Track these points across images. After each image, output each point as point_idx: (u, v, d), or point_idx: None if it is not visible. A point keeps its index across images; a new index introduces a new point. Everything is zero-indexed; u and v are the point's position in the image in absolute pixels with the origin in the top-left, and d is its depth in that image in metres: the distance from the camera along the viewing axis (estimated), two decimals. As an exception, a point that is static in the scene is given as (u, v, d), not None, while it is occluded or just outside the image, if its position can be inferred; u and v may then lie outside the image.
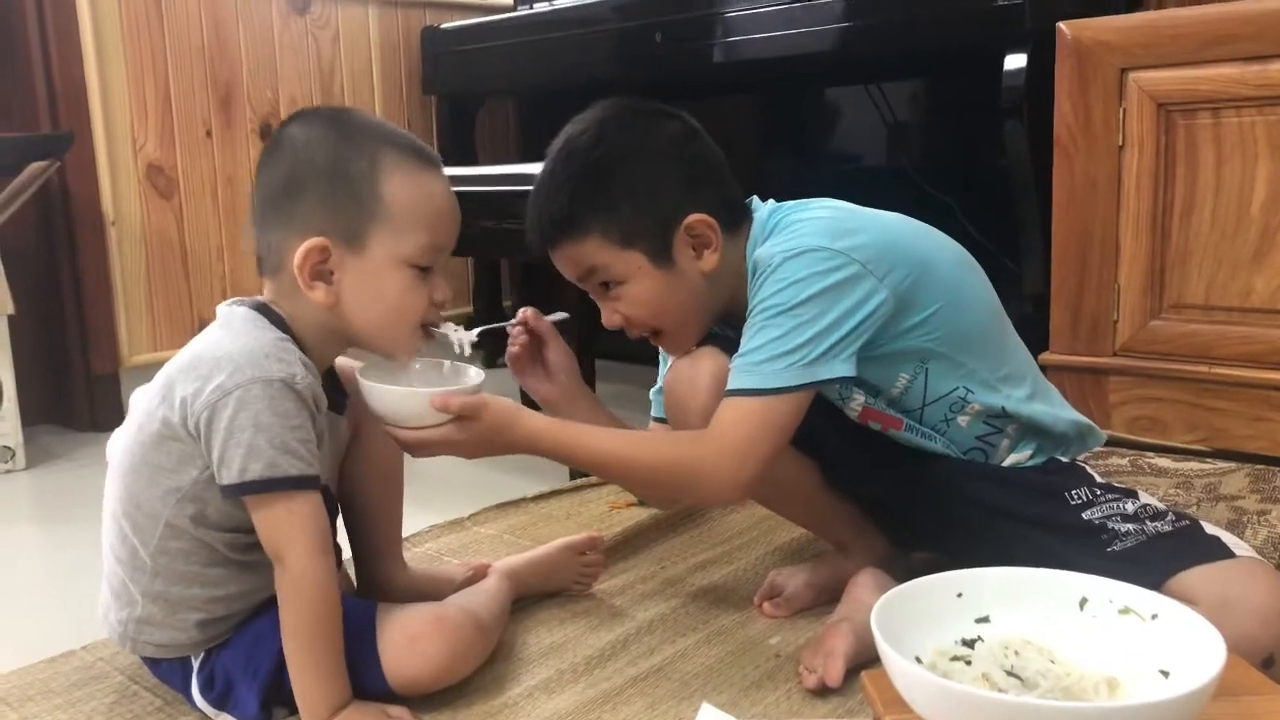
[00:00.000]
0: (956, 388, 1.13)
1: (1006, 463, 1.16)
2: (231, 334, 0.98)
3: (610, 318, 1.15)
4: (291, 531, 0.95)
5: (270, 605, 1.00)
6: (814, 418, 1.09)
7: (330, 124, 1.01)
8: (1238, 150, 1.52)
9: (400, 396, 1.02)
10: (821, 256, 1.04)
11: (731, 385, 1.05)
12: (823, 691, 1.04)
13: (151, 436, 0.98)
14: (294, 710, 0.99)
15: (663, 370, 1.25)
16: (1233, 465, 1.56)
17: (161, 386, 0.99)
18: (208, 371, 0.95)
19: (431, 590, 1.21)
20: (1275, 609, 0.95)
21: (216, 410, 0.93)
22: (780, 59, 1.95)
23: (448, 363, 1.12)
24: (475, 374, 1.08)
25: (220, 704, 1.03)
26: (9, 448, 1.99)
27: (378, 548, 1.23)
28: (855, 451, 1.19)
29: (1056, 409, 1.16)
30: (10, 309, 1.98)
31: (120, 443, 1.04)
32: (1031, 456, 1.15)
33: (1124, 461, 1.62)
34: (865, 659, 1.03)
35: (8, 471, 1.98)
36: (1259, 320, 1.55)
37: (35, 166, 2.07)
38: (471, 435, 1.03)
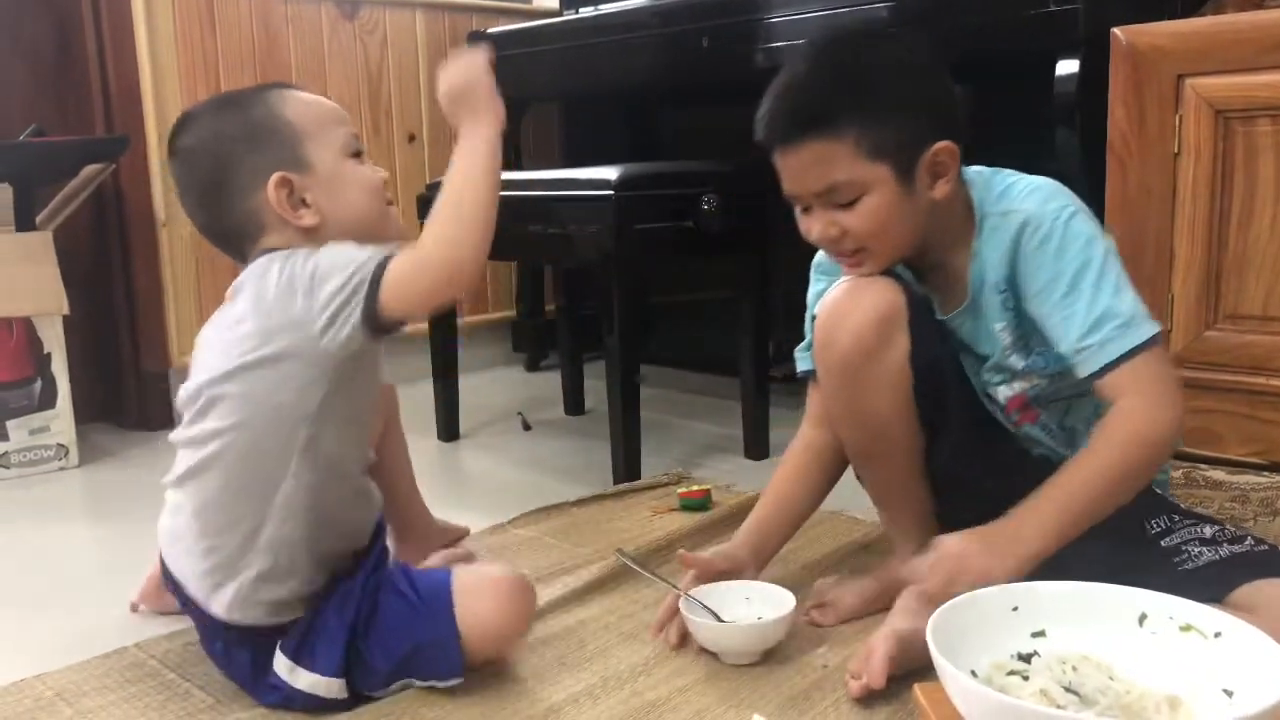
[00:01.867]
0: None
1: None
2: (310, 247, 1.06)
3: (825, 230, 1.12)
4: None
5: (358, 568, 1.10)
6: (944, 395, 1.15)
7: (212, 109, 1.14)
8: (1298, 158, 1.49)
9: (736, 632, 1.14)
10: (1091, 216, 1.08)
11: (1120, 350, 1.02)
12: (868, 700, 1.03)
13: (270, 367, 1.02)
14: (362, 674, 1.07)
15: (809, 326, 1.25)
16: (1289, 479, 1.53)
17: (266, 313, 1.03)
18: (333, 263, 1.02)
19: (451, 536, 1.48)
20: None
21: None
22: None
23: (742, 583, 1.21)
24: (785, 595, 1.17)
25: (298, 657, 1.06)
26: (63, 445, 2.02)
27: (407, 491, 1.42)
28: (969, 436, 1.19)
29: None
30: (65, 309, 2.01)
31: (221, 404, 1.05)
32: None
33: (1178, 474, 1.59)
34: (910, 666, 1.02)
35: (61, 469, 2.01)
36: (1319, 331, 1.51)
37: (91, 169, 2.11)
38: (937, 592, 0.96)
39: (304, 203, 1.09)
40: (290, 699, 1.06)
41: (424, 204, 2.10)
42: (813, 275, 1.28)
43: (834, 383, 1.19)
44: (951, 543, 0.99)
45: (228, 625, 1.07)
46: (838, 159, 1.07)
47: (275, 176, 1.07)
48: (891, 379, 1.16)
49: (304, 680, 1.05)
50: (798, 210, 1.15)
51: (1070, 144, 1.70)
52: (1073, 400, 1.17)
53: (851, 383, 1.17)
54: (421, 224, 2.19)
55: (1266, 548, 1.05)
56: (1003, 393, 1.17)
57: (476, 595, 1.08)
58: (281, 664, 1.06)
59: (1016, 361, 1.14)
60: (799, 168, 1.10)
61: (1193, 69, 1.56)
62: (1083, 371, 1.05)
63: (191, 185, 1.12)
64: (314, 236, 1.09)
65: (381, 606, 1.08)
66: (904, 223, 1.11)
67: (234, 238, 1.11)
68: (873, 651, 1.04)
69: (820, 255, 1.26)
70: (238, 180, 1.08)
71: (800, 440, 1.30)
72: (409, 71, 2.67)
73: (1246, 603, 0.95)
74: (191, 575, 1.08)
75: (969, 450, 1.19)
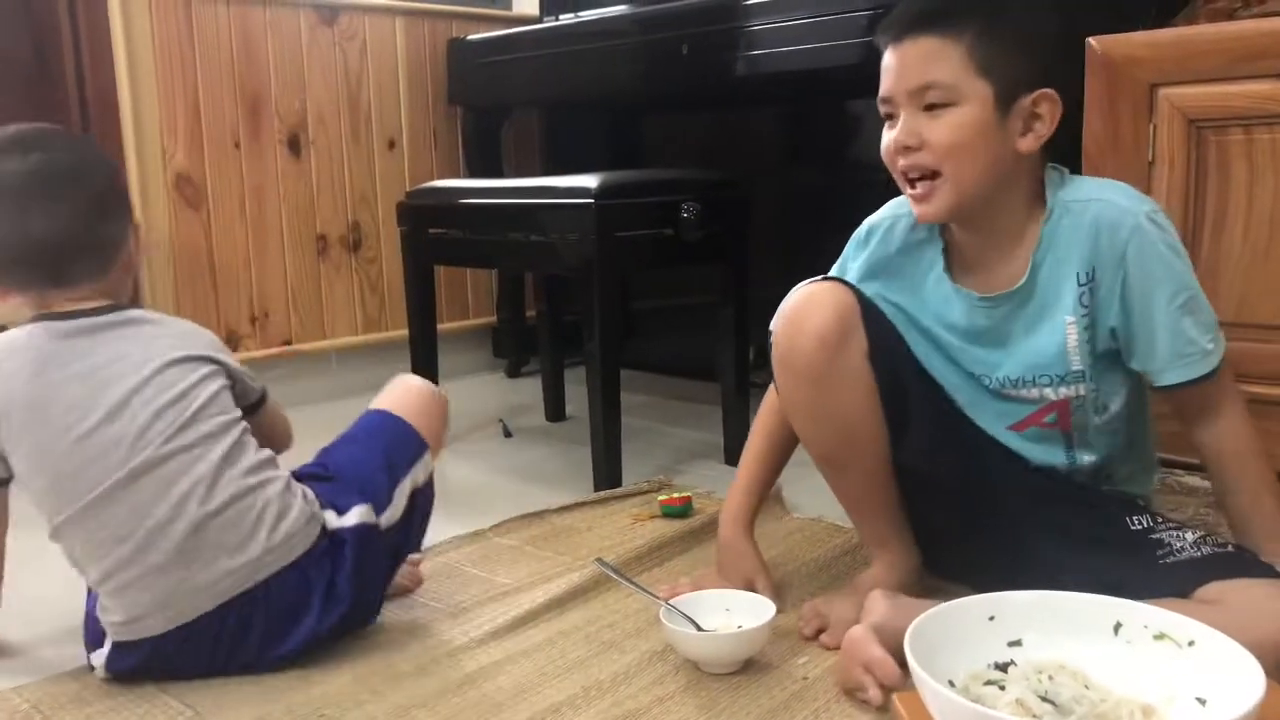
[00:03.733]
0: (1142, 415, 1.20)
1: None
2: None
3: (905, 137, 1.10)
4: None
5: None
6: (905, 392, 1.17)
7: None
8: (1270, 167, 1.51)
9: (714, 642, 1.15)
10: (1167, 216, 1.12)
11: (1216, 362, 1.11)
12: (848, 710, 1.04)
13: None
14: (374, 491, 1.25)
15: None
16: (1264, 484, 1.54)
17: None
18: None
19: None
20: None
21: None
22: (808, 72, 1.95)
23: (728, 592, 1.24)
24: (765, 604, 1.18)
25: (335, 508, 1.24)
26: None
27: None
28: (932, 431, 1.20)
29: (1153, 450, 1.24)
30: (41, 317, 1.99)
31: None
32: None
33: (1155, 478, 1.60)
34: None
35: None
36: (1291, 338, 1.53)
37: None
38: None
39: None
40: (319, 624, 1.16)
41: (402, 211, 2.11)
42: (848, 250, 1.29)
43: (800, 388, 1.20)
44: None
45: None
46: (946, 58, 1.08)
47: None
48: (856, 377, 1.17)
49: (351, 517, 1.21)
50: (885, 130, 1.14)
51: (1062, 143, 1.72)
52: (1117, 421, 1.18)
53: (818, 385, 1.18)
54: (402, 231, 2.20)
55: (1244, 552, 1.07)
56: (1047, 394, 1.16)
57: (391, 393, 1.40)
58: (330, 517, 1.21)
59: (1076, 361, 1.14)
60: (906, 62, 1.10)
61: (1166, 79, 1.57)
62: (1177, 378, 1.10)
63: (63, 198, 1.16)
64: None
65: (346, 449, 1.34)
66: (984, 155, 1.09)
67: (86, 247, 1.19)
68: (871, 658, 1.03)
69: (865, 227, 1.27)
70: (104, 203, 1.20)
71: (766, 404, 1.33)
72: (388, 78, 2.66)
73: (1215, 597, 0.98)
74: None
75: (933, 446, 1.20)
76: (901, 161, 1.12)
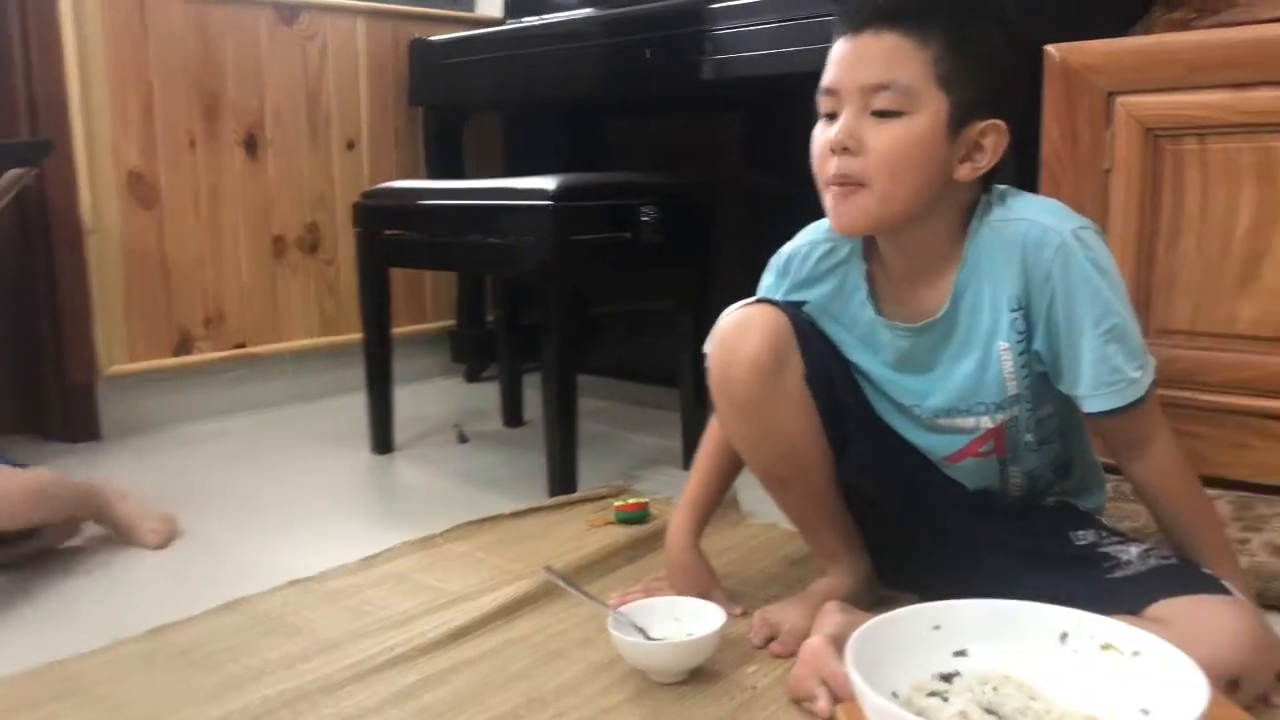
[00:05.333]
0: (1077, 427, 1.17)
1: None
2: None
3: (844, 136, 1.03)
4: None
5: None
6: (843, 411, 1.15)
7: None
8: (1223, 176, 1.51)
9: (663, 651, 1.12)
10: (1099, 230, 1.07)
11: (1145, 387, 1.06)
12: (814, 718, 1.02)
13: None
14: None
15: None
16: (1216, 493, 1.54)
17: None
18: None
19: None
20: (1245, 636, 0.96)
21: None
22: (773, 77, 1.94)
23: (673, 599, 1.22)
24: (715, 612, 1.16)
25: None
26: (-19, 458, 1.96)
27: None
28: (869, 451, 1.18)
29: (1098, 461, 1.21)
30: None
31: None
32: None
33: (1108, 488, 1.60)
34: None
35: (-21, 482, 1.95)
36: (1244, 347, 1.53)
37: (11, 174, 2.04)
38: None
39: None
40: None
41: (358, 211, 2.08)
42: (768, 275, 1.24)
43: (738, 415, 1.18)
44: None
45: None
46: (909, 60, 1.01)
47: None
48: (794, 401, 1.15)
49: None
50: (818, 126, 1.07)
51: (1007, 160, 1.72)
52: (1051, 435, 1.16)
53: (756, 412, 1.16)
54: (357, 231, 2.17)
55: (1191, 566, 1.06)
56: (983, 422, 1.12)
57: None
58: None
59: (1013, 387, 1.10)
60: (864, 55, 1.03)
61: (1124, 87, 1.58)
62: (1101, 406, 1.05)
63: None
64: None
65: None
66: (922, 174, 1.03)
67: None
68: (830, 671, 1.01)
69: (784, 256, 1.22)
70: None
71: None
72: (349, 78, 2.63)
73: (1163, 616, 0.97)
74: None
75: (872, 468, 1.18)
76: (833, 164, 1.04)
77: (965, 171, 1.05)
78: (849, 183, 1.04)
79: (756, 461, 1.22)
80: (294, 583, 1.42)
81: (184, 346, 2.33)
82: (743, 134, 2.45)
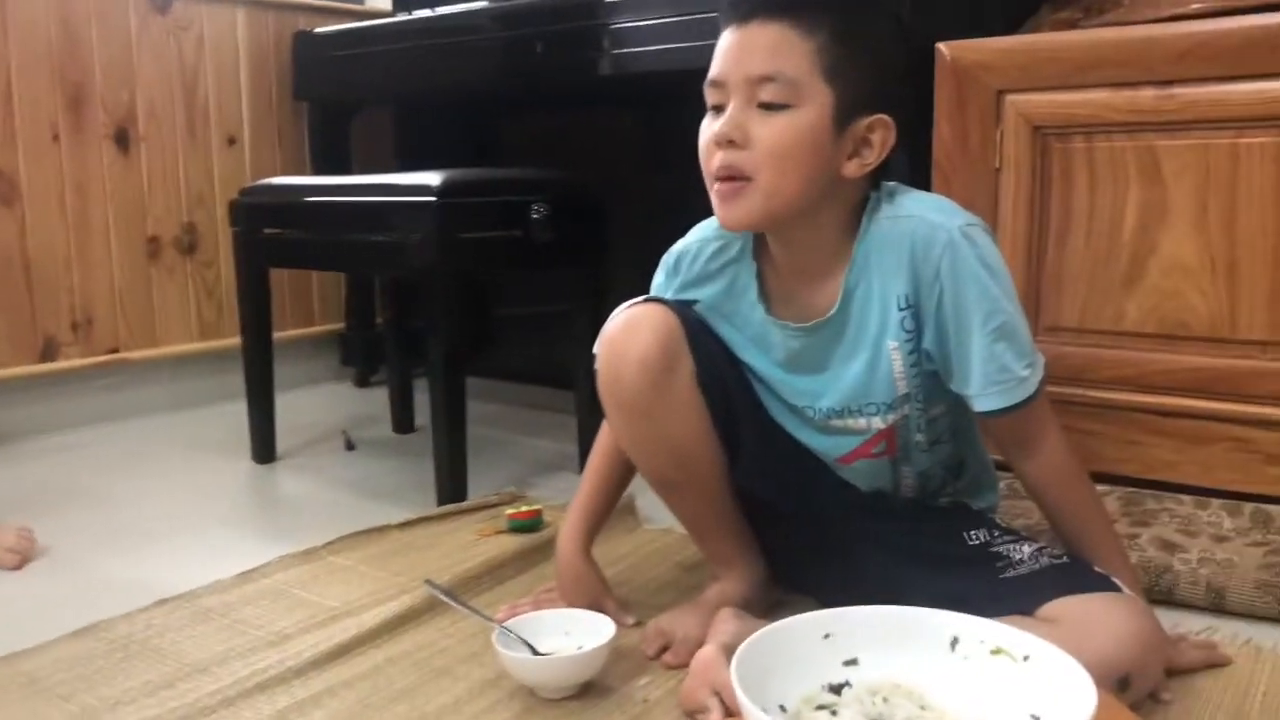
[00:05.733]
0: (969, 427, 1.16)
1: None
2: None
3: (729, 129, 1.01)
4: None
5: None
6: (735, 413, 1.13)
7: None
8: (1110, 175, 1.53)
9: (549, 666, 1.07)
10: (988, 228, 1.06)
11: (1035, 386, 1.05)
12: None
13: None
14: None
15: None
16: (1106, 489, 1.56)
17: None
18: None
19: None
20: (1134, 633, 0.96)
21: None
22: (670, 72, 1.90)
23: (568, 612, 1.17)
24: (605, 623, 1.11)
25: None
26: None
27: None
28: (761, 453, 1.16)
29: (990, 460, 1.20)
30: None
31: None
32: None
33: (1000, 486, 1.60)
34: None
35: None
36: (1131, 344, 1.55)
37: None
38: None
39: None
40: None
41: (235, 209, 1.98)
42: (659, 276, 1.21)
43: (627, 418, 1.14)
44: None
45: None
46: (795, 52, 0.99)
47: None
48: (684, 403, 1.12)
49: None
50: (706, 120, 1.05)
51: (898, 158, 1.71)
52: (943, 435, 1.15)
53: (646, 414, 1.12)
54: (234, 231, 2.07)
55: (1082, 564, 1.06)
56: (875, 423, 1.11)
57: None
58: None
59: (903, 386, 1.08)
60: (750, 46, 1.01)
61: (1013, 86, 1.58)
62: (990, 405, 1.04)
63: None
64: None
65: None
66: (807, 168, 1.01)
67: None
68: (724, 684, 0.96)
69: (673, 255, 1.19)
70: None
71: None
72: (228, 71, 2.52)
73: (1055, 615, 0.97)
74: None
75: (764, 470, 1.16)
76: (719, 157, 1.02)
77: (853, 168, 1.03)
78: (735, 176, 1.02)
79: (648, 466, 1.18)
80: (161, 602, 1.33)
81: (49, 352, 2.19)
82: (641, 131, 2.42)
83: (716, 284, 1.17)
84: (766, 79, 1.00)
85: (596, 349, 1.15)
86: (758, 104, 1.01)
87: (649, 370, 1.10)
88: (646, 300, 1.16)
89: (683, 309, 1.15)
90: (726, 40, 1.03)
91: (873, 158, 1.03)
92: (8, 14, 2.13)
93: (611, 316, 1.16)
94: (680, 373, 1.12)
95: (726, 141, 1.01)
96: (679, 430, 1.13)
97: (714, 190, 1.05)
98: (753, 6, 1.02)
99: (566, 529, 1.27)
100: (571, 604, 1.21)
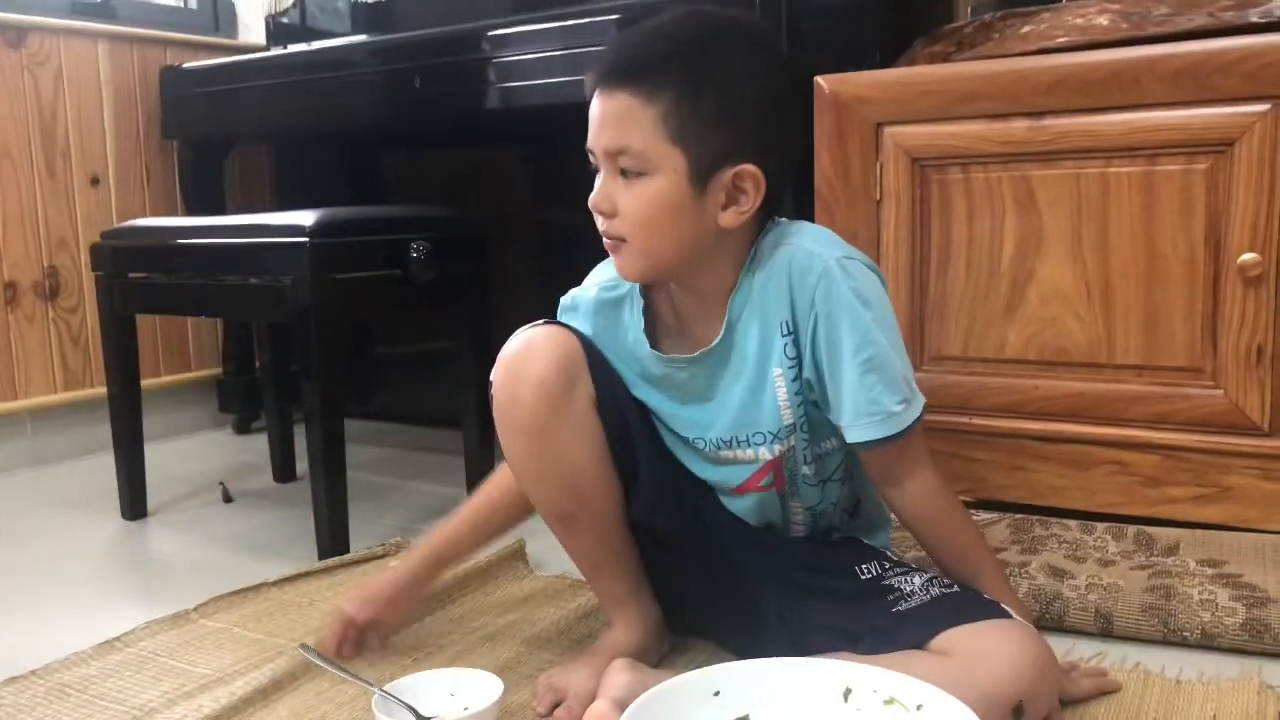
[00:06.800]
0: (856, 467, 1.15)
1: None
2: None
3: (599, 200, 1.04)
4: None
5: None
6: (632, 443, 1.11)
7: None
8: (986, 205, 1.55)
9: None
10: (870, 264, 1.06)
11: (913, 417, 1.04)
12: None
13: None
14: None
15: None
16: (994, 516, 1.57)
17: None
18: None
19: None
20: (1026, 661, 0.95)
21: None
22: (552, 107, 1.87)
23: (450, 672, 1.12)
24: (493, 682, 1.07)
25: None
26: None
27: None
28: (658, 485, 1.14)
29: (883, 502, 1.18)
30: None
31: None
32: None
33: (894, 519, 1.60)
34: None
35: None
36: (1013, 371, 1.57)
37: None
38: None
39: None
40: None
41: (97, 253, 1.87)
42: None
43: (522, 443, 1.11)
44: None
45: None
46: (638, 122, 0.99)
47: None
48: (582, 428, 1.09)
49: None
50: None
51: (783, 192, 1.71)
52: (835, 473, 1.14)
53: (541, 439, 1.09)
54: (97, 275, 1.97)
55: (971, 592, 1.06)
56: (762, 453, 1.10)
57: None
58: None
59: (788, 415, 1.08)
60: (603, 118, 1.02)
61: (890, 118, 1.60)
62: (860, 436, 1.04)
63: None
64: None
65: None
66: (677, 229, 1.02)
67: None
68: None
69: (570, 298, 1.19)
70: None
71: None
72: (91, 108, 2.40)
73: (947, 647, 0.96)
74: None
75: (658, 503, 1.13)
76: (598, 220, 1.06)
77: (730, 217, 1.03)
78: (612, 239, 1.05)
79: (542, 496, 1.15)
80: (10, 681, 1.23)
81: (-105, 408, 2.05)
82: (528, 166, 2.39)
83: (605, 320, 1.16)
84: (619, 152, 1.01)
85: (493, 374, 1.12)
86: (619, 170, 1.02)
87: (547, 392, 1.07)
88: (547, 323, 1.14)
89: (583, 334, 1.14)
90: (591, 107, 1.05)
91: (749, 204, 1.03)
92: None
93: (510, 339, 1.13)
94: (579, 395, 1.09)
95: (598, 211, 1.04)
96: (576, 456, 1.10)
97: (607, 245, 1.07)
98: (597, 77, 1.03)
99: (422, 544, 1.25)
100: (354, 602, 1.22)
